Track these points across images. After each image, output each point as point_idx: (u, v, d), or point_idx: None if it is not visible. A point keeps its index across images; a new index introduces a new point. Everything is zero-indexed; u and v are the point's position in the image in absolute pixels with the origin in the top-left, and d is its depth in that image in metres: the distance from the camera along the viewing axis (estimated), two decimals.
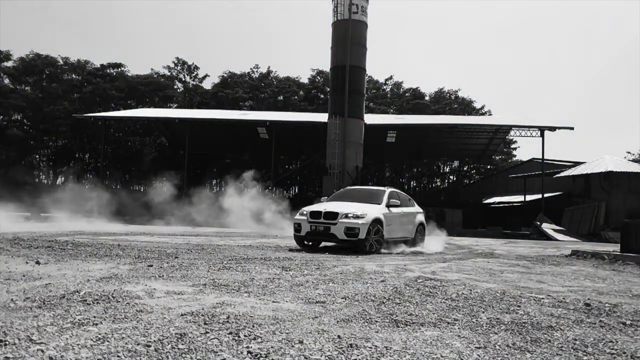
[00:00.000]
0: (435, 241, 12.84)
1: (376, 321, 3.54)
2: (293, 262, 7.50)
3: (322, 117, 30.53)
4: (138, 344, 2.71)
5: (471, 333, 3.29)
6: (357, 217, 9.52)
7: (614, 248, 11.45)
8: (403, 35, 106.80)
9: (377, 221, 9.84)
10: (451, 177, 54.54)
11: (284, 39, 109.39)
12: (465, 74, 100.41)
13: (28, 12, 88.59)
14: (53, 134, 46.78)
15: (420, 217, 12.02)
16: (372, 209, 10.01)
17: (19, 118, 47.94)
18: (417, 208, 12.10)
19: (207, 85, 55.45)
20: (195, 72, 55.29)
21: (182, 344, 2.74)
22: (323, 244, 10.96)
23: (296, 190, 51.70)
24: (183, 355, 2.57)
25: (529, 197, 33.48)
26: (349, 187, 12.90)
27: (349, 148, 27.27)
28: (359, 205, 10.24)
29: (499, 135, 36.53)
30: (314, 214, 9.91)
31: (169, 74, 54.56)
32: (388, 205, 10.56)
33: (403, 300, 4.42)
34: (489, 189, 42.60)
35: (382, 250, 10.16)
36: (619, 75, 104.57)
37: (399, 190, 11.96)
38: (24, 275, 5.08)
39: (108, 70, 49.72)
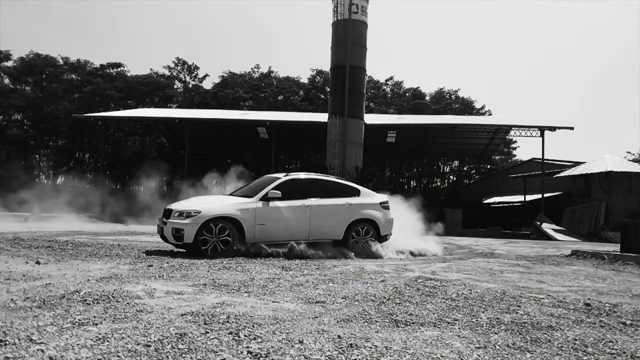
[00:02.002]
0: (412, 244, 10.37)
1: (376, 321, 3.54)
2: (293, 262, 7.52)
3: (322, 117, 30.51)
4: (138, 344, 2.71)
5: (471, 333, 3.29)
6: (188, 215, 7.89)
7: (614, 248, 11.44)
8: (403, 35, 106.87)
9: (223, 219, 8.00)
10: (451, 177, 54.53)
11: (284, 39, 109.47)
12: (465, 74, 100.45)
13: (28, 12, 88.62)
14: (53, 134, 46.76)
15: (370, 212, 9.15)
16: (221, 204, 8.39)
17: (19, 118, 47.92)
18: (363, 199, 9.27)
19: (207, 85, 55.48)
20: (196, 72, 55.29)
21: (182, 344, 2.74)
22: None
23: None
24: (183, 355, 2.57)
25: (529, 197, 33.48)
26: (260, 178, 9.84)
27: (349, 148, 27.27)
28: (209, 199, 9.03)
29: (499, 135, 36.51)
30: (165, 213, 8.36)
31: (169, 74, 54.56)
32: (267, 198, 8.38)
33: (403, 300, 4.42)
34: (489, 189, 42.58)
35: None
36: (619, 75, 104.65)
37: (324, 177, 9.60)
38: (24, 275, 5.08)
39: (108, 70, 49.70)
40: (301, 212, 8.65)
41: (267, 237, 8.36)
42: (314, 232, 8.71)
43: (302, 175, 9.36)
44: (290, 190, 8.66)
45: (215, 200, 8.77)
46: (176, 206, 8.32)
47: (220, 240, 7.95)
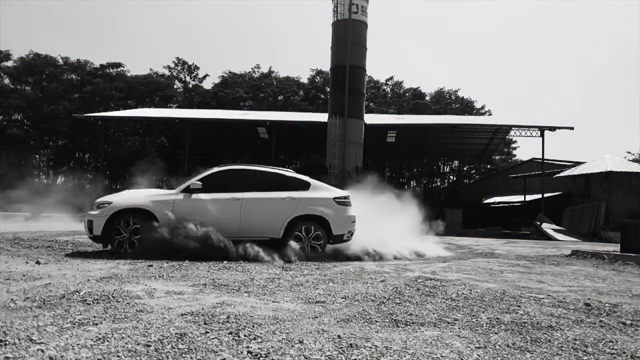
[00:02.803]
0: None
1: (376, 321, 3.54)
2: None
3: (322, 117, 30.52)
4: (138, 344, 2.71)
5: (471, 333, 3.29)
6: (99, 206, 7.44)
7: (614, 248, 11.45)
8: (403, 35, 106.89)
9: (136, 212, 7.40)
10: (451, 177, 54.55)
11: (284, 39, 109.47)
12: (465, 74, 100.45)
13: (28, 12, 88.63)
14: (53, 134, 46.79)
15: (318, 208, 8.07)
16: (138, 195, 7.86)
17: (19, 118, 47.95)
18: (312, 193, 8.24)
19: (207, 85, 55.54)
20: (196, 72, 55.34)
21: (182, 344, 2.74)
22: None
23: None
24: (183, 355, 2.57)
25: (529, 197, 33.49)
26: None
27: (349, 148, 27.27)
28: (135, 190, 8.49)
29: (499, 135, 36.52)
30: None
31: (169, 73, 54.61)
32: (189, 190, 7.70)
33: (403, 300, 4.42)
34: (489, 189, 42.59)
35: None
36: (619, 75, 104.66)
37: (266, 169, 8.48)
38: (24, 275, 5.08)
39: (108, 70, 49.74)
40: (230, 206, 7.72)
41: (188, 232, 7.41)
42: (245, 229, 7.72)
43: (240, 166, 8.49)
44: (223, 182, 7.91)
45: (137, 192, 8.14)
46: (100, 199, 7.80)
47: (132, 234, 7.36)
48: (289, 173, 8.60)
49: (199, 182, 7.73)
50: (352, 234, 8.49)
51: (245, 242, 7.53)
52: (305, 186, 8.32)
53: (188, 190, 7.70)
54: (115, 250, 7.34)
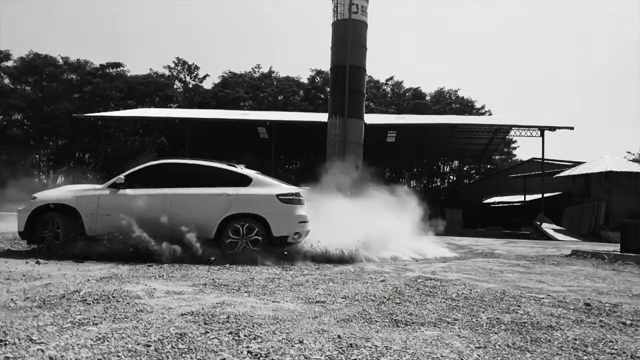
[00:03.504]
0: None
1: (376, 321, 3.54)
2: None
3: (322, 117, 30.52)
4: (138, 344, 2.71)
5: (471, 333, 3.29)
6: (26, 202, 7.20)
7: (614, 248, 11.45)
8: (403, 35, 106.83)
9: (61, 208, 7.08)
10: (451, 177, 54.56)
11: (284, 39, 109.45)
12: (465, 74, 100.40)
13: (28, 12, 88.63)
14: (53, 134, 46.82)
15: (256, 206, 7.29)
16: (64, 190, 7.51)
17: (19, 118, 47.99)
18: (252, 189, 7.43)
19: (207, 85, 55.57)
20: (196, 72, 55.37)
21: (182, 344, 2.74)
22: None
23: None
24: (183, 355, 2.57)
25: (529, 197, 33.49)
26: None
27: (349, 148, 27.26)
28: (65, 187, 7.96)
29: (499, 135, 36.52)
30: None
31: (169, 73, 54.64)
32: (116, 185, 7.27)
33: (403, 300, 4.42)
34: (489, 189, 42.59)
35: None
36: (619, 75, 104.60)
37: (203, 163, 7.79)
38: (24, 275, 5.09)
39: (108, 70, 49.76)
40: (158, 202, 7.12)
41: (114, 230, 6.94)
42: (174, 227, 7.00)
43: (175, 160, 7.98)
44: (155, 177, 7.41)
45: (68, 187, 7.68)
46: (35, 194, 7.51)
47: (56, 232, 7.02)
48: (230, 167, 7.78)
49: (122, 177, 7.26)
50: (300, 236, 7.57)
51: (176, 242, 6.88)
52: (245, 181, 7.51)
53: (114, 186, 7.25)
54: (39, 249, 6.96)
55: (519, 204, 35.14)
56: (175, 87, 54.51)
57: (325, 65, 44.05)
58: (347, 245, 8.32)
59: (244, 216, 7.23)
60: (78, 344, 2.66)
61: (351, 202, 10.83)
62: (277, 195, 7.42)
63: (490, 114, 53.99)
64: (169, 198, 7.18)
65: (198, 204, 7.21)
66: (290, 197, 7.52)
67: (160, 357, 2.52)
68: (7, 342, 2.64)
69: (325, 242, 7.95)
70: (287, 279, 5.57)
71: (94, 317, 3.30)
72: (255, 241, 7.22)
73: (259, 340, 2.88)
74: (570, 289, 5.52)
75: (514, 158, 54.57)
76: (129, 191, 7.20)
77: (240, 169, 7.79)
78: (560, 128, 29.45)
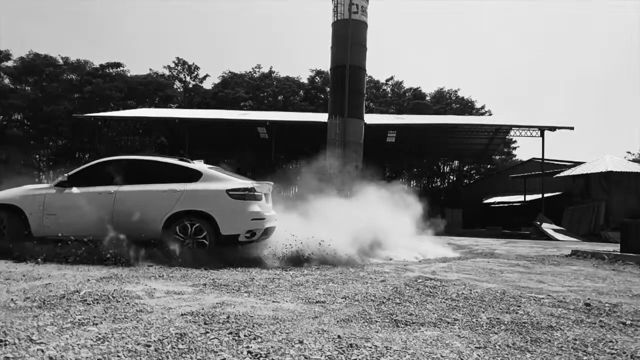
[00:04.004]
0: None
1: (376, 321, 3.54)
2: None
3: (322, 117, 30.53)
4: (138, 344, 2.71)
5: (471, 333, 3.29)
6: None
7: (614, 248, 11.44)
8: (403, 35, 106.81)
9: (7, 208, 6.98)
10: (451, 177, 54.56)
11: (284, 39, 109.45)
12: (465, 74, 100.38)
13: (28, 12, 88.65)
14: (53, 134, 46.81)
15: (204, 203, 6.82)
16: (13, 189, 7.33)
17: (19, 118, 48.00)
18: (202, 185, 6.97)
19: (207, 85, 55.60)
20: (196, 72, 55.39)
21: (182, 344, 2.74)
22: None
23: (296, 190, 51.71)
24: (183, 355, 2.57)
25: (529, 197, 33.48)
26: None
27: (349, 148, 27.27)
28: (19, 187, 7.65)
29: (499, 135, 36.53)
30: None
31: (169, 73, 54.66)
32: (62, 184, 7.06)
33: (403, 300, 4.42)
34: (489, 189, 42.59)
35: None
36: (619, 75, 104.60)
37: (152, 158, 7.49)
38: (24, 275, 5.09)
39: (108, 70, 49.77)
40: (103, 200, 6.83)
41: (60, 230, 6.77)
42: (119, 226, 6.69)
43: (123, 156, 7.58)
44: (103, 175, 7.12)
45: (23, 187, 7.47)
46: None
47: (2, 232, 6.85)
48: (180, 162, 7.33)
49: (66, 176, 7.10)
50: (254, 235, 6.97)
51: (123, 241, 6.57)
52: (195, 176, 7.05)
53: (61, 184, 7.05)
54: None
55: (519, 204, 35.13)
56: (175, 87, 54.52)
57: (325, 65, 44.13)
58: (347, 246, 8.32)
59: (191, 214, 6.79)
60: (78, 344, 2.66)
61: (351, 202, 10.83)
62: (227, 191, 6.89)
63: (490, 114, 53.98)
64: (115, 196, 6.89)
65: (143, 202, 6.84)
66: (242, 193, 6.95)
67: (160, 357, 2.52)
68: (7, 342, 2.64)
69: (326, 242, 7.74)
70: (287, 279, 5.57)
71: (94, 317, 3.30)
72: (201, 240, 6.76)
73: (259, 340, 2.88)
74: (570, 289, 5.52)
75: (514, 158, 54.56)
76: (75, 190, 6.97)
77: (192, 164, 7.32)
78: (560, 128, 29.45)
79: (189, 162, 7.35)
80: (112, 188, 6.95)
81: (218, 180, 7.09)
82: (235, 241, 6.88)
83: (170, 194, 6.83)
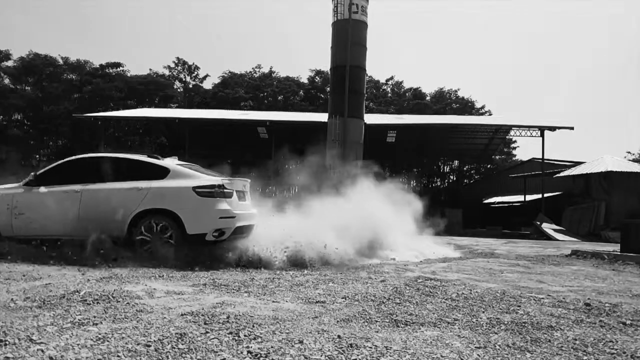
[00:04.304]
0: None
1: (376, 321, 3.54)
2: None
3: (322, 117, 30.56)
4: (138, 344, 2.71)
5: (471, 333, 3.29)
6: None
7: (614, 248, 11.44)
8: (403, 35, 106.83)
9: None
10: (451, 177, 54.56)
11: (283, 39, 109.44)
12: (465, 74, 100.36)
13: (28, 12, 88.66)
14: (53, 134, 46.84)
15: (168, 200, 6.59)
16: None
17: (19, 118, 48.01)
18: (169, 182, 6.72)
19: (207, 85, 55.62)
20: (196, 72, 55.42)
21: (182, 344, 2.74)
22: None
23: (296, 190, 51.71)
24: (183, 355, 2.57)
25: (529, 197, 33.49)
26: None
27: (349, 148, 27.28)
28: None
29: (499, 135, 36.55)
30: None
31: (169, 73, 54.68)
32: (31, 183, 7.04)
33: (403, 300, 4.42)
34: (489, 189, 42.60)
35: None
36: (619, 75, 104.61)
37: (120, 155, 7.27)
38: (24, 275, 5.09)
39: (107, 70, 49.79)
40: (70, 199, 6.74)
41: (29, 230, 6.79)
42: (86, 225, 6.56)
43: (91, 154, 7.52)
44: (71, 174, 7.06)
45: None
46: None
47: None
48: (148, 159, 7.15)
49: (33, 175, 7.05)
50: (223, 234, 6.68)
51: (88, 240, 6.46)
52: (162, 174, 6.81)
53: (29, 184, 7.01)
54: None
55: (519, 204, 35.14)
56: (175, 87, 54.54)
57: (325, 65, 44.10)
58: (347, 246, 8.31)
59: (157, 212, 6.57)
60: (78, 344, 2.66)
61: (351, 201, 10.82)
62: (194, 188, 6.62)
63: (490, 114, 54.00)
64: (81, 195, 6.79)
65: (109, 200, 6.69)
66: (210, 190, 6.65)
67: (160, 357, 2.52)
68: (7, 342, 2.64)
69: (324, 242, 7.73)
70: (287, 279, 5.57)
71: (94, 317, 3.30)
72: (167, 240, 6.54)
73: (259, 340, 2.88)
74: (570, 289, 5.52)
75: (514, 158, 54.58)
76: (43, 189, 6.90)
77: (161, 161, 7.10)
78: (560, 128, 29.47)
79: (158, 159, 7.16)
80: (78, 187, 6.83)
81: (185, 177, 6.83)
82: (203, 241, 6.58)
83: (135, 192, 6.65)
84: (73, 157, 7.33)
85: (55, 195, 6.84)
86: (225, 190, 6.79)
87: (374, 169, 13.17)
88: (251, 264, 6.68)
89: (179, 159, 7.58)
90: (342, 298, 4.43)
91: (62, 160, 7.31)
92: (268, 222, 8.04)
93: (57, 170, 7.16)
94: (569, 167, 30.80)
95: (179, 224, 6.50)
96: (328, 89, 37.21)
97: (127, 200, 6.63)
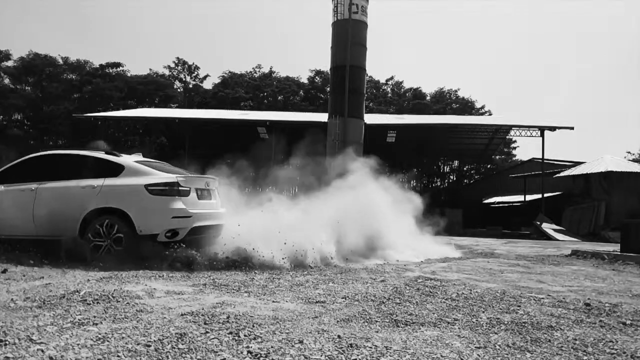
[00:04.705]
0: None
1: (376, 321, 3.54)
2: None
3: (322, 117, 30.57)
4: (138, 344, 2.71)
5: (471, 333, 3.29)
6: None
7: (614, 248, 11.44)
8: (403, 35, 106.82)
9: None
10: (451, 177, 54.56)
11: (283, 39, 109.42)
12: (465, 74, 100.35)
13: (28, 12, 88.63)
14: (53, 134, 46.85)
15: (119, 199, 6.32)
16: None
17: (19, 118, 48.03)
18: (122, 180, 6.46)
19: (207, 85, 55.64)
20: (196, 72, 55.43)
21: (182, 344, 2.74)
22: None
23: (296, 190, 51.71)
24: (183, 355, 2.57)
25: (529, 197, 33.49)
26: None
27: (349, 148, 27.29)
28: None
29: (499, 135, 36.55)
30: None
31: (169, 73, 54.70)
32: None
33: (403, 300, 4.42)
34: (489, 189, 42.60)
35: None
36: (619, 75, 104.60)
37: (78, 152, 7.05)
38: (24, 275, 5.09)
39: (107, 70, 49.81)
40: (25, 198, 6.55)
41: None
42: (41, 225, 6.42)
43: (49, 152, 7.42)
44: (30, 172, 6.85)
45: None
46: None
47: None
48: (104, 155, 6.84)
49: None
50: (176, 234, 6.38)
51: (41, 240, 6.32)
52: (117, 171, 6.53)
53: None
54: None
55: (519, 204, 35.14)
56: (175, 87, 54.56)
57: (325, 65, 44.14)
58: (346, 245, 8.31)
59: (109, 211, 6.30)
60: (78, 344, 2.66)
61: (350, 201, 10.80)
62: (146, 186, 6.31)
63: (490, 114, 54.01)
64: (35, 193, 6.58)
65: (62, 199, 6.46)
66: (163, 188, 6.33)
67: (160, 357, 2.52)
68: (7, 342, 2.64)
69: (323, 241, 7.68)
70: (287, 279, 5.57)
71: (94, 317, 3.30)
72: (117, 240, 6.20)
73: (259, 340, 2.88)
74: (570, 289, 5.52)
75: (514, 158, 54.60)
76: (2, 187, 6.76)
77: (119, 157, 6.82)
78: (560, 128, 29.47)
79: (116, 155, 6.89)
80: (33, 185, 6.63)
81: (140, 174, 6.51)
82: (154, 241, 6.26)
83: (88, 190, 6.39)
84: (33, 155, 7.13)
85: (12, 194, 6.67)
86: (180, 188, 6.48)
87: (374, 169, 13.14)
88: (235, 263, 6.41)
89: (143, 156, 7.40)
90: (342, 298, 4.43)
91: (23, 158, 7.13)
92: (260, 219, 7.82)
93: (17, 168, 6.97)
94: (569, 167, 30.81)
95: (130, 224, 6.22)
96: (328, 89, 37.22)
97: (79, 198, 6.39)
